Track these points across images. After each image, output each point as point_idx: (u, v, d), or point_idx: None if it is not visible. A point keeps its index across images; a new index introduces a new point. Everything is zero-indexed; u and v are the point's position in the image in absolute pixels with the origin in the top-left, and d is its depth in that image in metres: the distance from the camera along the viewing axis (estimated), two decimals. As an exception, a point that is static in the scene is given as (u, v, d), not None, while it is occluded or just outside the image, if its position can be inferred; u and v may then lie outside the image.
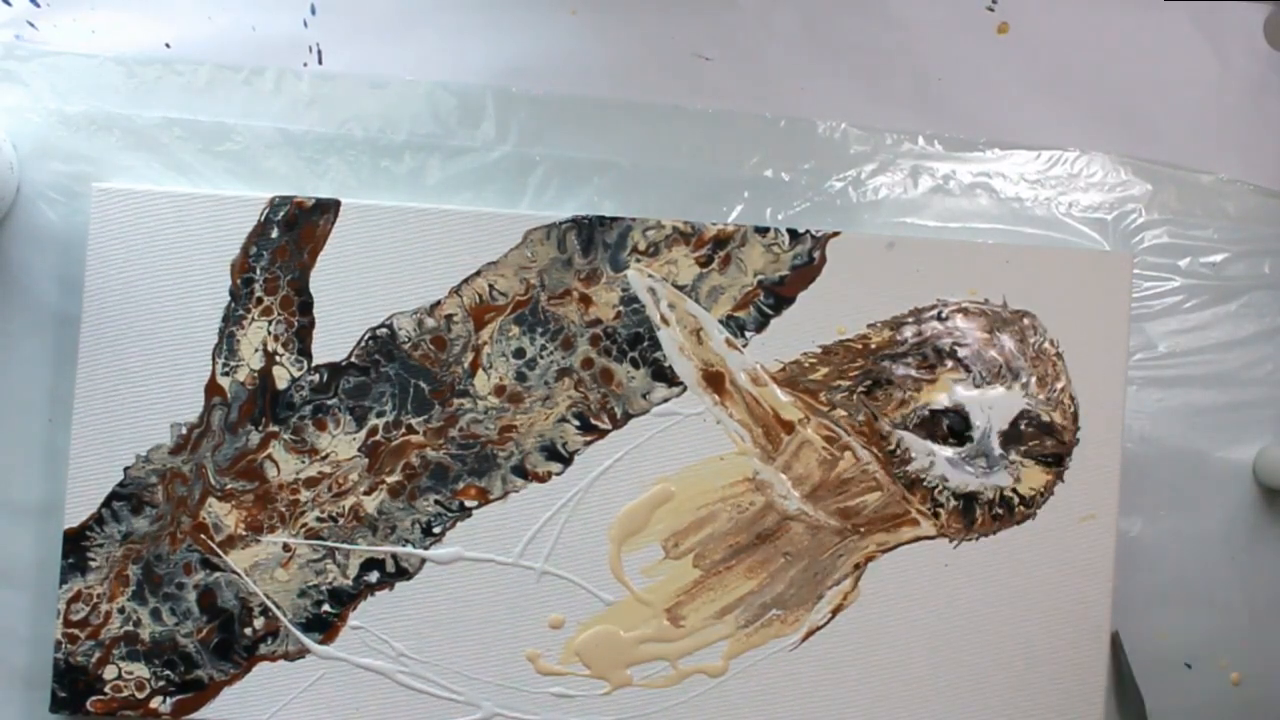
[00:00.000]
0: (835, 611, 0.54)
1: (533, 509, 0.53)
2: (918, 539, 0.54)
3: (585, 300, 0.53)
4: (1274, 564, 0.57)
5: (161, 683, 0.52)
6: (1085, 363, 0.54)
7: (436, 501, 0.53)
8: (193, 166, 0.54)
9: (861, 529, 0.54)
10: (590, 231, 0.53)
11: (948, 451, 0.54)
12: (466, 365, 0.53)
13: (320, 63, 0.55)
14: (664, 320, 0.53)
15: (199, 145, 0.54)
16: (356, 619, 0.52)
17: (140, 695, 0.52)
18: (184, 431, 0.52)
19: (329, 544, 0.52)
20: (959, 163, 0.57)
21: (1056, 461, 0.54)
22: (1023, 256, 0.54)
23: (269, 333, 0.52)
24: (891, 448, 0.54)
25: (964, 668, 0.54)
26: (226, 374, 0.52)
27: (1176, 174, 0.57)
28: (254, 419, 0.52)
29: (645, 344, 0.53)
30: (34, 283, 0.54)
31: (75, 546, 0.52)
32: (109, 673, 0.52)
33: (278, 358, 0.52)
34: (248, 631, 0.52)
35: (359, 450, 0.53)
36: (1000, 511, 0.54)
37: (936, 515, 0.54)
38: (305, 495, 0.52)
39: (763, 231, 0.54)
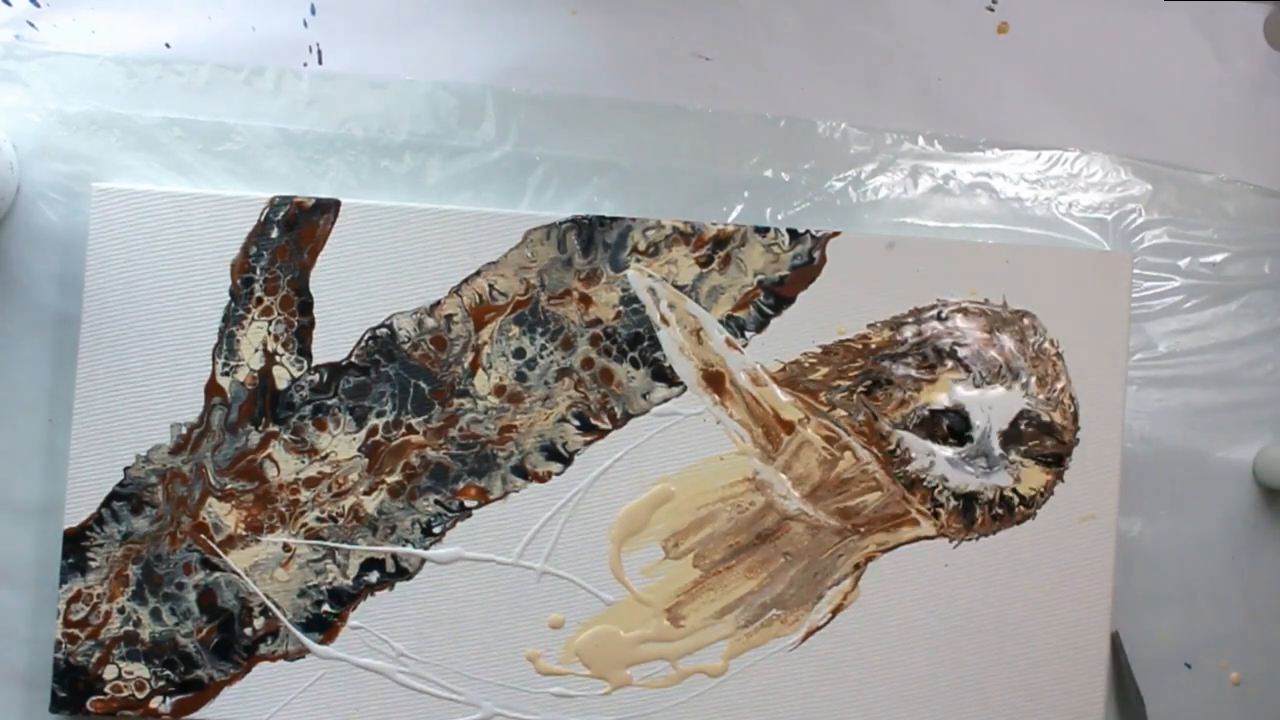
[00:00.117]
0: (835, 611, 0.54)
1: (533, 509, 0.53)
2: (918, 539, 0.54)
3: (585, 300, 0.53)
4: (1274, 564, 0.57)
5: (161, 683, 0.52)
6: (1085, 363, 0.54)
7: (436, 501, 0.53)
8: (193, 166, 0.54)
9: (861, 529, 0.54)
10: (590, 231, 0.53)
11: (948, 451, 0.54)
12: (466, 365, 0.53)
13: (320, 63, 0.55)
14: (664, 320, 0.53)
15: (199, 145, 0.54)
16: (356, 619, 0.52)
17: (140, 695, 0.52)
18: (184, 431, 0.52)
19: (329, 544, 0.52)
20: (959, 163, 0.57)
21: (1056, 461, 0.54)
22: (1023, 256, 0.54)
23: (269, 333, 0.52)
24: (891, 448, 0.54)
25: (964, 668, 0.54)
26: (226, 374, 0.52)
27: (1176, 174, 0.57)
28: (254, 419, 0.52)
29: (645, 344, 0.53)
30: (34, 283, 0.54)
31: (75, 546, 0.52)
32: (109, 673, 0.52)
33: (278, 358, 0.52)
34: (248, 631, 0.52)
35: (359, 450, 0.53)
36: (1000, 511, 0.54)
37: (936, 515, 0.54)
38: (305, 495, 0.52)
39: (763, 231, 0.54)
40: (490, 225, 0.53)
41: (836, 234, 0.54)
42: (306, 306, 0.53)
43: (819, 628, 0.54)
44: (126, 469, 0.52)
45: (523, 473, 0.53)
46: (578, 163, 0.55)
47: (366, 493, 0.53)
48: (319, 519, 0.52)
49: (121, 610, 0.52)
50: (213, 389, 0.52)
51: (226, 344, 0.52)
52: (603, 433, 0.53)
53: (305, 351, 0.53)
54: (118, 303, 0.52)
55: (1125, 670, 0.55)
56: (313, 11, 0.55)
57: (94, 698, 0.52)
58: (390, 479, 0.53)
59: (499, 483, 0.53)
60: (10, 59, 0.54)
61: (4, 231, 0.54)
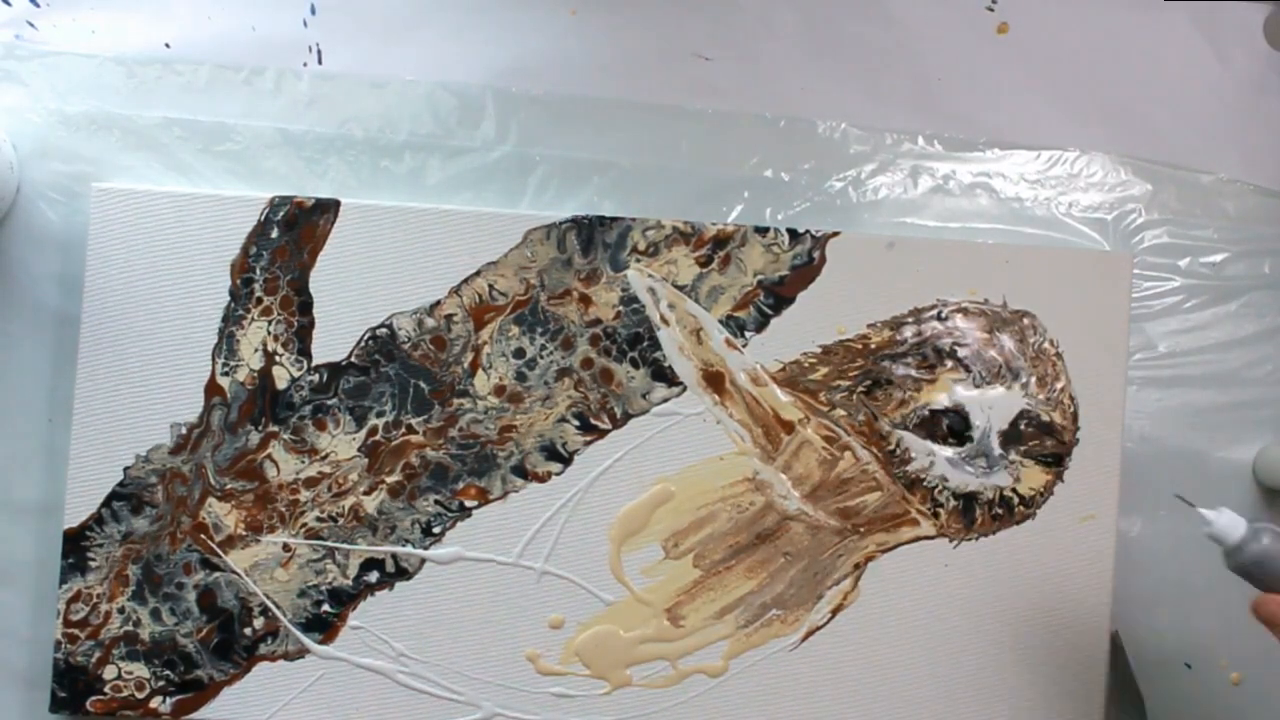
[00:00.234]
0: (835, 611, 0.54)
1: (533, 509, 0.53)
2: (918, 539, 0.54)
3: (585, 300, 0.53)
4: (1274, 564, 0.57)
5: (161, 683, 0.52)
6: (1085, 363, 0.54)
7: (436, 501, 0.53)
8: (193, 166, 0.54)
9: (861, 529, 0.54)
10: (590, 231, 0.53)
11: (948, 451, 0.54)
12: (466, 365, 0.53)
13: (320, 63, 0.55)
14: (664, 320, 0.53)
15: (199, 145, 0.54)
16: (356, 619, 0.52)
17: (140, 695, 0.52)
18: (184, 431, 0.52)
19: (329, 544, 0.52)
20: (959, 163, 0.57)
21: (1056, 461, 0.54)
22: (1023, 256, 0.54)
23: (269, 333, 0.52)
24: (891, 448, 0.54)
25: (964, 668, 0.54)
26: (226, 374, 0.52)
27: (1176, 174, 0.57)
28: (254, 419, 0.52)
29: (645, 344, 0.53)
30: (34, 283, 0.54)
31: (75, 546, 0.52)
32: (109, 673, 0.52)
33: (278, 358, 0.52)
34: (248, 631, 0.52)
35: (359, 450, 0.53)
36: (1000, 511, 0.54)
37: (936, 515, 0.54)
38: (305, 495, 0.52)
39: (763, 231, 0.54)
40: (490, 225, 0.53)
41: (836, 234, 0.54)
42: (306, 306, 0.53)
43: (819, 628, 0.54)
44: (126, 469, 0.52)
45: (523, 473, 0.53)
46: (578, 163, 0.55)
47: (366, 493, 0.53)
48: (319, 519, 0.52)
49: (121, 610, 0.52)
50: (213, 389, 0.52)
51: (226, 344, 0.52)
52: (603, 433, 0.53)
53: (305, 351, 0.53)
54: (118, 303, 0.52)
55: (1125, 670, 0.55)
56: (313, 11, 0.55)
57: (94, 698, 0.52)
58: (390, 479, 0.53)
59: (499, 483, 0.53)
60: (10, 59, 0.54)
61: (4, 231, 0.54)
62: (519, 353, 0.53)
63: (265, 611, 0.52)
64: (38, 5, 0.55)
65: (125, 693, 0.52)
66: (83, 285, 0.52)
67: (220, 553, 0.52)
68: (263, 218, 0.52)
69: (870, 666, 0.54)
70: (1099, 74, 0.58)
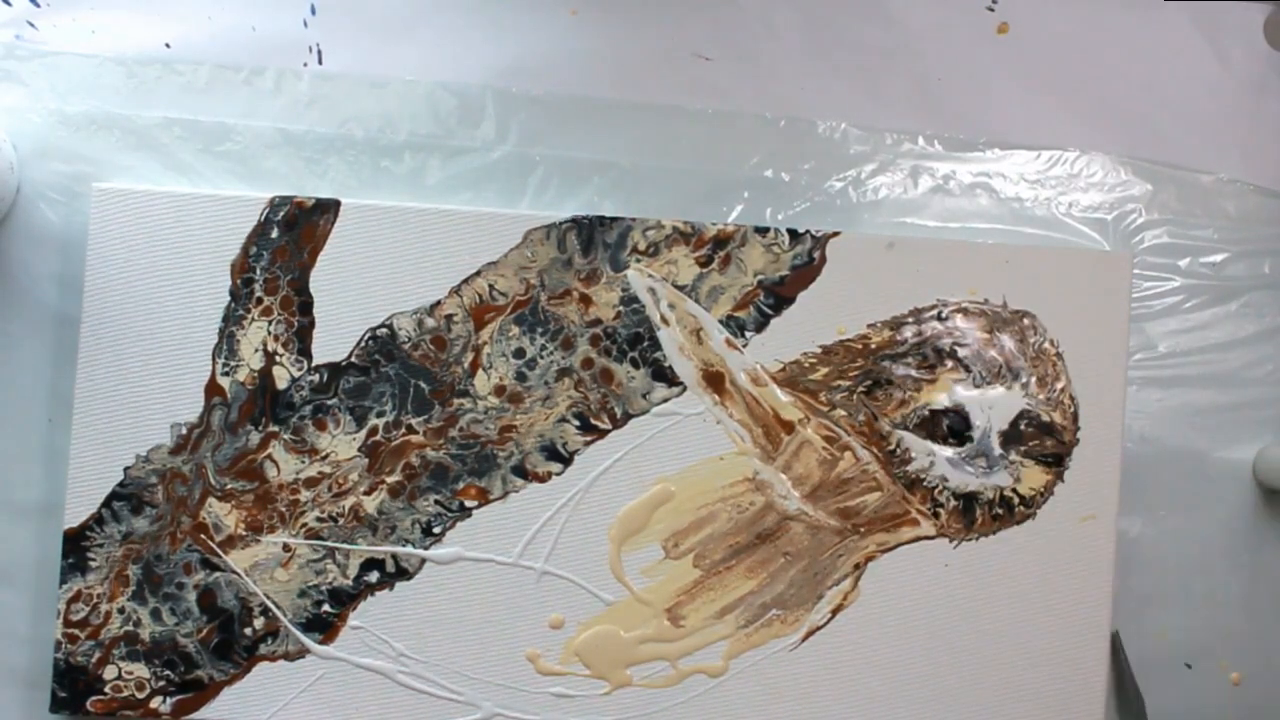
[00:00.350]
0: (835, 611, 0.54)
1: (533, 509, 0.53)
2: (918, 539, 0.54)
3: (585, 300, 0.53)
4: (1274, 564, 0.57)
5: (161, 683, 0.52)
6: (1085, 363, 0.54)
7: (436, 501, 0.53)
8: (193, 166, 0.54)
9: (861, 529, 0.54)
10: (590, 231, 0.53)
11: (948, 451, 0.54)
12: (466, 365, 0.53)
13: (320, 63, 0.55)
14: (664, 320, 0.53)
15: (199, 145, 0.54)
16: (356, 619, 0.52)
17: (140, 695, 0.52)
18: (184, 431, 0.52)
19: (329, 544, 0.52)
20: (959, 163, 0.57)
21: (1056, 461, 0.54)
22: (1023, 256, 0.54)
23: (269, 333, 0.52)
24: (891, 448, 0.54)
25: (964, 667, 0.54)
26: (226, 374, 0.52)
27: (1176, 174, 0.57)
28: (254, 419, 0.52)
29: (645, 344, 0.53)
30: (34, 283, 0.54)
31: (75, 546, 0.52)
32: (109, 673, 0.52)
33: (278, 358, 0.52)
34: (248, 631, 0.52)
35: (359, 450, 0.53)
36: (1000, 511, 0.54)
37: (936, 515, 0.54)
38: (305, 495, 0.52)
39: (763, 231, 0.54)
40: (490, 225, 0.53)
41: (836, 234, 0.54)
42: (306, 306, 0.53)
43: (819, 628, 0.54)
44: (126, 469, 0.52)
45: (523, 473, 0.53)
46: (578, 163, 0.55)
47: (366, 493, 0.53)
48: (319, 519, 0.52)
49: (121, 610, 0.52)
50: (213, 389, 0.52)
51: (226, 344, 0.52)
52: (603, 433, 0.53)
53: (305, 351, 0.53)
54: (118, 303, 0.52)
55: (1125, 670, 0.55)
56: (313, 11, 0.55)
57: (94, 698, 0.52)
58: (390, 479, 0.53)
59: (499, 483, 0.53)
60: (10, 59, 0.54)
61: (4, 231, 0.54)
62: (519, 353, 0.53)
63: (265, 611, 0.52)
64: (38, 5, 0.55)
65: (125, 693, 0.52)
66: (83, 285, 0.52)
67: (220, 553, 0.52)
68: (263, 218, 0.52)
69: (870, 666, 0.54)
70: (1099, 74, 0.58)
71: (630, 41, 0.56)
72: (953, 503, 0.54)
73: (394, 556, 0.53)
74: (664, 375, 0.53)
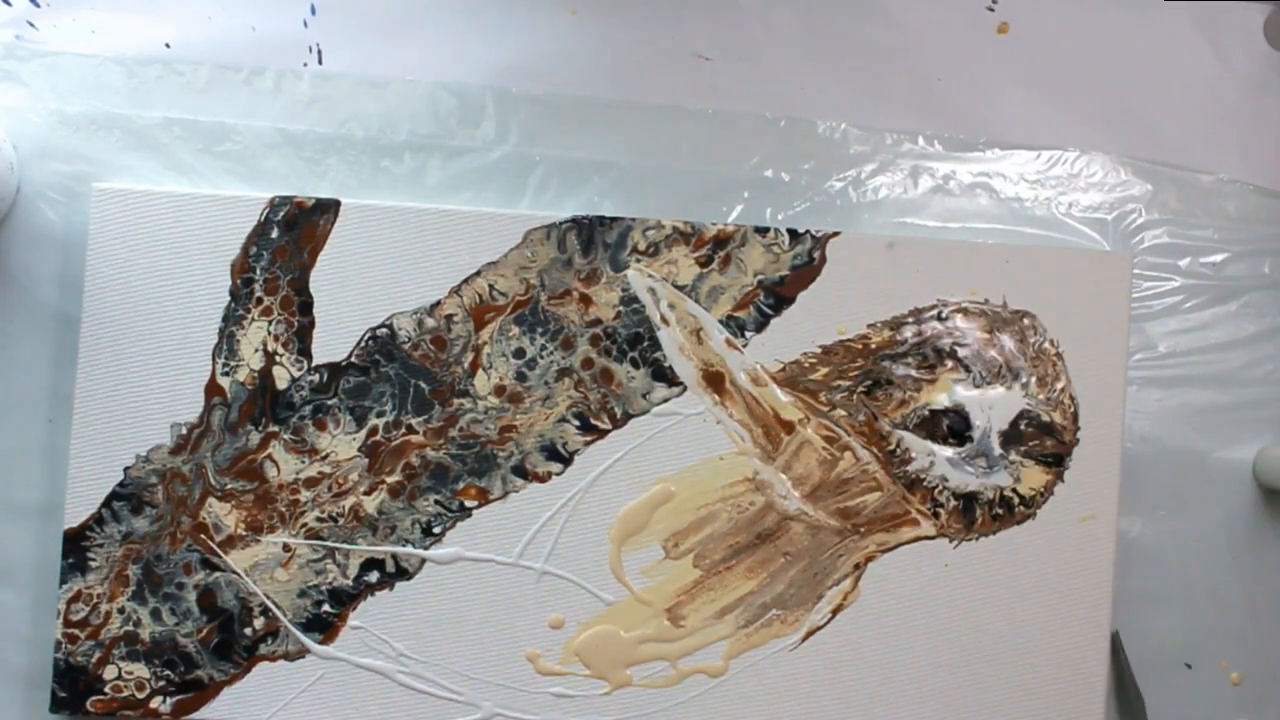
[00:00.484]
0: (835, 611, 0.54)
1: (533, 509, 0.53)
2: (918, 539, 0.54)
3: (585, 300, 0.53)
4: (1274, 564, 0.57)
5: (161, 683, 0.52)
6: (1085, 363, 0.54)
7: (436, 501, 0.53)
8: (193, 166, 0.54)
9: (861, 529, 0.54)
10: (590, 231, 0.53)
11: (948, 451, 0.54)
12: (466, 365, 0.53)
13: (320, 63, 0.55)
14: (664, 320, 0.53)
15: (199, 145, 0.54)
16: (356, 619, 0.52)
17: (140, 695, 0.52)
18: (184, 431, 0.52)
19: (329, 544, 0.52)
20: (959, 163, 0.57)
21: (1056, 461, 0.54)
22: (1023, 256, 0.54)
23: (269, 333, 0.52)
24: (891, 448, 0.54)
25: (964, 668, 0.54)
26: (226, 374, 0.52)
27: (1176, 174, 0.57)
28: (254, 419, 0.52)
29: (645, 344, 0.53)
30: (34, 283, 0.54)
31: (75, 546, 0.52)
32: (109, 673, 0.52)
33: (278, 358, 0.52)
34: (248, 631, 0.52)
35: (359, 450, 0.53)
36: (1000, 511, 0.54)
37: (936, 515, 0.54)
38: (305, 495, 0.52)
39: (763, 231, 0.54)
40: (490, 225, 0.53)
41: (836, 234, 0.54)
42: (306, 306, 0.53)
43: (819, 628, 0.54)
44: (126, 469, 0.52)
45: (523, 473, 0.53)
46: (578, 163, 0.55)
47: (366, 493, 0.53)
48: (319, 519, 0.52)
49: (121, 610, 0.52)
50: (213, 389, 0.52)
51: (226, 344, 0.52)
52: (603, 433, 0.53)
53: (305, 351, 0.53)
54: (118, 303, 0.52)
55: (1125, 670, 0.55)
56: (313, 11, 0.55)
57: (94, 698, 0.52)
58: (390, 479, 0.53)
59: (499, 483, 0.53)
60: (10, 59, 0.54)
61: (4, 231, 0.54)
62: (519, 353, 0.53)
63: (265, 611, 0.52)
64: (38, 5, 0.55)
65: (125, 693, 0.52)
66: (83, 285, 0.52)
67: (220, 553, 0.52)
68: (263, 218, 0.52)
69: (870, 666, 0.54)
70: (1099, 74, 0.58)
71: (630, 41, 0.56)
72: (953, 503, 0.54)
73: (394, 556, 0.53)
74: (664, 375, 0.53)
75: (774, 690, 0.53)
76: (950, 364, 0.54)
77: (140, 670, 0.52)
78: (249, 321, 0.52)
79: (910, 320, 0.54)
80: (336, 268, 0.53)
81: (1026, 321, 0.54)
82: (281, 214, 0.52)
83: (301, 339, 0.53)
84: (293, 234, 0.52)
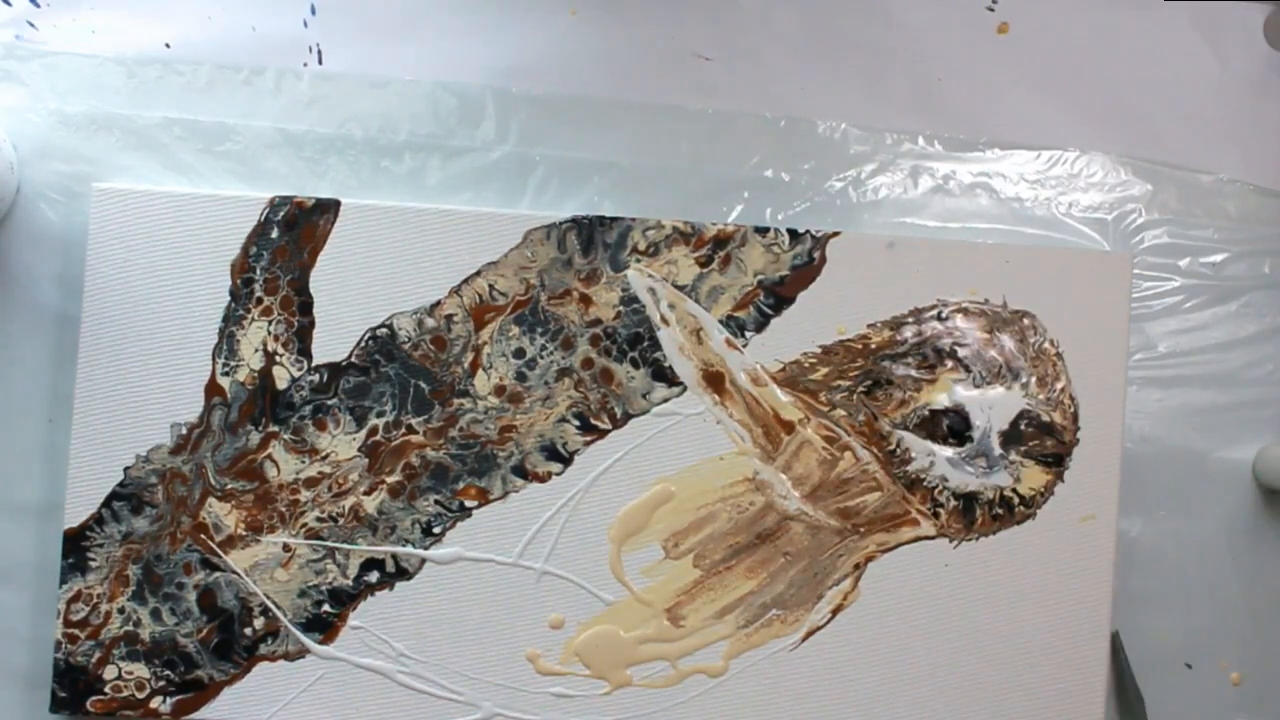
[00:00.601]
0: (835, 611, 0.54)
1: (533, 509, 0.53)
2: (918, 539, 0.54)
3: (585, 300, 0.53)
4: (1274, 564, 0.57)
5: (161, 683, 0.52)
6: (1085, 363, 0.54)
7: (436, 501, 0.53)
8: (193, 166, 0.54)
9: (861, 529, 0.54)
10: (590, 231, 0.53)
11: (948, 451, 0.54)
12: (466, 365, 0.53)
13: (320, 63, 0.55)
14: (664, 320, 0.53)
15: (199, 145, 0.54)
16: (356, 619, 0.52)
17: (140, 695, 0.52)
18: (184, 431, 0.52)
19: (329, 544, 0.52)
20: (959, 163, 0.57)
21: (1056, 461, 0.54)
22: (1023, 256, 0.54)
23: (269, 333, 0.52)
24: (891, 448, 0.54)
25: (964, 668, 0.54)
26: (226, 374, 0.52)
27: (1176, 174, 0.57)
28: (254, 419, 0.52)
29: (645, 344, 0.53)
30: (34, 283, 0.54)
31: (75, 546, 0.52)
32: (109, 673, 0.52)
33: (278, 358, 0.52)
34: (248, 631, 0.52)
35: (359, 450, 0.53)
36: (1000, 511, 0.54)
37: (936, 515, 0.54)
38: (305, 495, 0.52)
39: (763, 231, 0.54)
40: (490, 225, 0.53)
41: (836, 234, 0.54)
42: (306, 306, 0.53)
43: (819, 628, 0.54)
44: (126, 469, 0.52)
45: (523, 473, 0.53)
46: (578, 163, 0.55)
47: (366, 493, 0.53)
48: (319, 519, 0.52)
49: (121, 610, 0.52)
50: (213, 389, 0.52)
51: (226, 344, 0.52)
52: (603, 433, 0.53)
53: (305, 351, 0.53)
54: (118, 303, 0.52)
55: (1125, 670, 0.55)
56: (313, 11, 0.55)
57: (94, 698, 0.52)
58: (390, 479, 0.53)
59: (499, 483, 0.53)
60: (10, 59, 0.54)
61: (4, 231, 0.54)
62: (519, 353, 0.53)
63: (265, 611, 0.52)
64: (38, 5, 0.55)
65: (125, 693, 0.52)
66: (83, 285, 0.52)
67: (220, 553, 0.52)
68: (263, 218, 0.52)
69: (870, 666, 0.54)
70: (1099, 74, 0.58)
71: (630, 41, 0.56)
72: (953, 503, 0.54)
73: (394, 556, 0.53)
74: (664, 375, 0.53)
75: (774, 690, 0.53)
76: (950, 364, 0.54)
77: (140, 670, 0.52)
78: (249, 321, 0.52)
79: (910, 320, 0.54)
80: (336, 268, 0.53)
81: (1026, 321, 0.54)
82: (281, 214, 0.52)
83: (301, 339, 0.53)
84: (293, 234, 0.52)
